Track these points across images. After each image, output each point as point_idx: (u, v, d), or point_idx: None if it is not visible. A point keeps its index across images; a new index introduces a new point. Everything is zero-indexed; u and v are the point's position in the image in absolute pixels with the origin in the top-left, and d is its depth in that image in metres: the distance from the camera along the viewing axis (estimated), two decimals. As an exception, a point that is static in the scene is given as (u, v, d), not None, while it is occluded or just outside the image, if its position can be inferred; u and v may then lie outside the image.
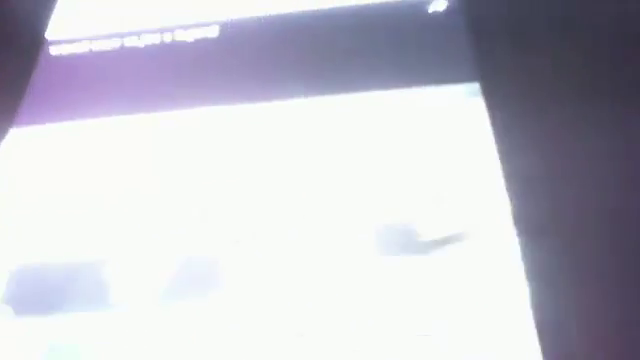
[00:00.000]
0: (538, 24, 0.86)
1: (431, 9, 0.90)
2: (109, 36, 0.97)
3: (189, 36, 0.94)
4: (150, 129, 0.85)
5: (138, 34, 0.96)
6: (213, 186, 0.79)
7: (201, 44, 0.93)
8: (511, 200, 0.72)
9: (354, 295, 0.68)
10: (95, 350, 0.68)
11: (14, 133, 0.86)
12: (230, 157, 0.81)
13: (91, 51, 0.95)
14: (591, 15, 0.85)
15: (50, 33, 0.99)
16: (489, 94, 0.80)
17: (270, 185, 0.78)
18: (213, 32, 0.94)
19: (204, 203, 0.78)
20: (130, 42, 0.95)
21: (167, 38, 0.95)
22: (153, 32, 0.96)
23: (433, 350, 0.64)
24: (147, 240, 0.75)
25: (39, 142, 0.86)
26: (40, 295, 0.72)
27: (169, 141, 0.84)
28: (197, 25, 0.95)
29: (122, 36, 0.96)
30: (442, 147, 0.78)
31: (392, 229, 0.72)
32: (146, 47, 0.94)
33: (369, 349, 0.65)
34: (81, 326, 0.69)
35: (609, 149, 0.74)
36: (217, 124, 0.84)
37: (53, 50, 0.96)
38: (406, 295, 0.68)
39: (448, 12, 0.90)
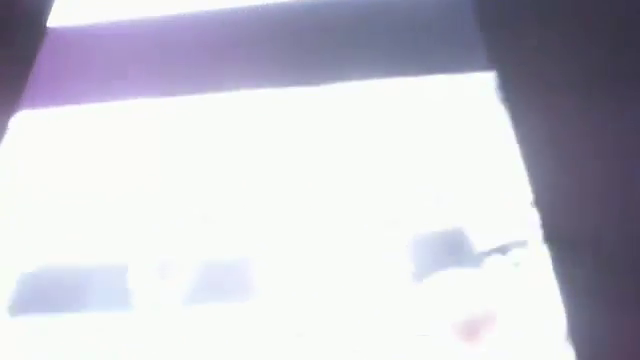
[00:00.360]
0: (550, 10, 0.86)
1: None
2: (110, 23, 0.95)
3: (192, 22, 0.93)
4: (154, 115, 0.83)
5: (140, 21, 0.95)
6: (225, 184, 0.77)
7: (207, 30, 0.92)
8: (532, 188, 0.71)
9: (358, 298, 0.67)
10: (105, 353, 0.66)
11: (19, 116, 0.85)
12: (248, 146, 0.80)
13: (93, 37, 0.94)
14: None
15: (52, 20, 0.97)
16: (504, 83, 0.79)
17: (283, 179, 0.76)
18: (220, 19, 0.93)
19: (215, 200, 0.76)
20: (131, 29, 0.94)
21: (170, 25, 0.94)
22: (155, 19, 0.95)
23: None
24: (156, 239, 0.74)
25: (42, 125, 0.84)
26: (50, 296, 0.70)
27: (175, 128, 0.82)
28: (202, 12, 0.94)
29: (123, 23, 0.95)
30: (457, 137, 0.76)
31: (396, 226, 0.71)
32: (148, 34, 0.93)
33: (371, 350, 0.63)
34: (94, 329, 0.68)
35: (626, 135, 0.73)
36: (226, 110, 0.83)
37: (55, 37, 0.95)
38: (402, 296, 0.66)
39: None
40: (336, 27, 0.89)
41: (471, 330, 0.63)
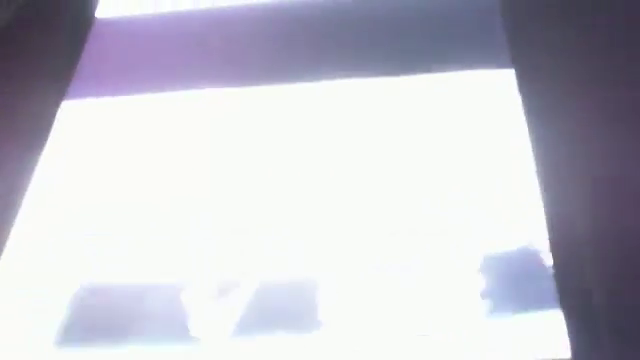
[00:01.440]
0: (575, 8, 0.86)
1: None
2: (158, 14, 0.99)
3: (240, 15, 0.95)
4: (203, 107, 0.86)
5: (188, 12, 0.98)
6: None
7: (253, 23, 0.94)
8: (542, 188, 0.73)
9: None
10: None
11: (65, 106, 0.89)
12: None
13: (141, 29, 0.97)
14: None
15: (100, 11, 1.01)
16: (524, 81, 0.81)
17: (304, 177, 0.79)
18: (263, 12, 0.95)
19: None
20: (179, 20, 0.97)
21: (219, 17, 0.96)
22: (202, 12, 0.97)
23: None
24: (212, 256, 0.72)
25: (89, 117, 0.88)
26: (105, 322, 0.68)
27: (224, 122, 0.84)
28: (250, 4, 0.97)
29: (171, 14, 0.98)
30: (473, 134, 0.79)
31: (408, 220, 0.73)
32: (196, 26, 0.96)
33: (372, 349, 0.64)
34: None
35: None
36: (268, 104, 0.85)
37: (103, 28, 0.99)
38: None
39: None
40: (358, 22, 0.91)
41: None
